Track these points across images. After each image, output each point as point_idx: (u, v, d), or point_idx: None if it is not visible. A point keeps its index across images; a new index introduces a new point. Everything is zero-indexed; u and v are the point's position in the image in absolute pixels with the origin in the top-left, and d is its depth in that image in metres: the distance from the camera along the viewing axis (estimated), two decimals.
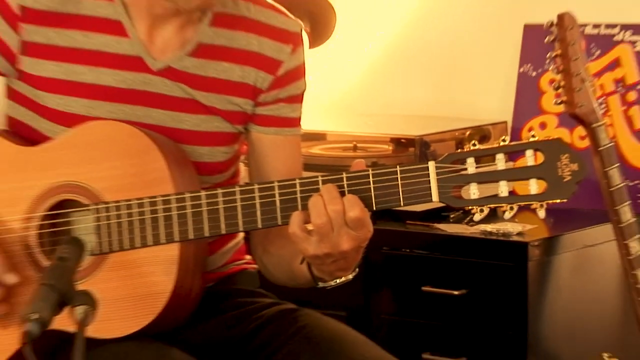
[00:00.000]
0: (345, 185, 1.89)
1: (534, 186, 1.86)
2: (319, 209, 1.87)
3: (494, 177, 1.86)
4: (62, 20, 2.08)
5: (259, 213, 1.93)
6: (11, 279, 1.98)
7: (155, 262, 1.97)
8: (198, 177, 2.06)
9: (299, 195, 1.91)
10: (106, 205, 1.98)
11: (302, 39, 2.17)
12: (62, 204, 2.03)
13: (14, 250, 2.02)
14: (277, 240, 2.11)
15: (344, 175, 1.89)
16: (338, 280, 2.02)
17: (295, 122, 2.20)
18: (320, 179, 1.90)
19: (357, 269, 2.02)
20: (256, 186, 1.94)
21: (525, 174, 1.86)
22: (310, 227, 1.89)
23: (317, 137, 2.98)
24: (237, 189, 1.94)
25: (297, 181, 1.91)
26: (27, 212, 2.03)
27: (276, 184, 1.93)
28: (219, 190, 1.95)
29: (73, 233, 2.01)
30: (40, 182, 2.03)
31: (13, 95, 2.14)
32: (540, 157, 1.86)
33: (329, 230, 1.87)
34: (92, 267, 1.98)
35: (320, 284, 2.04)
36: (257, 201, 1.93)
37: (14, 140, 2.09)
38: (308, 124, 2.97)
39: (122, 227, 1.97)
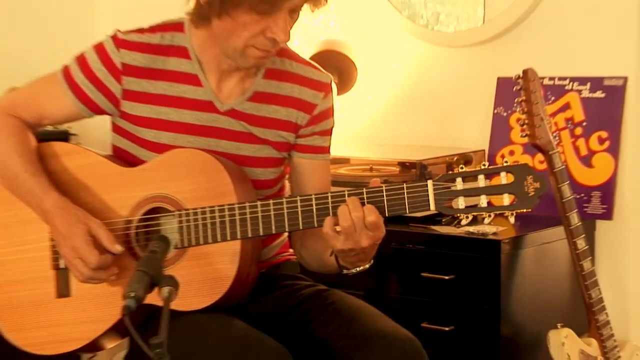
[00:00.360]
0: (365, 198, 1.88)
1: (506, 199, 1.86)
2: (345, 215, 1.86)
3: (476, 192, 1.86)
4: (153, 73, 2.07)
5: (300, 218, 1.92)
6: (118, 248, 1.97)
7: (223, 254, 1.96)
8: (254, 191, 2.05)
9: (330, 204, 1.90)
10: (187, 211, 1.97)
11: (331, 88, 2.16)
12: (154, 210, 2.02)
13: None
14: (312, 238, 2.10)
15: (364, 190, 1.88)
16: (358, 269, 2.01)
17: (326, 150, 2.18)
18: (346, 192, 1.89)
19: (372, 260, 2.00)
20: (298, 197, 1.93)
21: (499, 190, 1.86)
22: (338, 228, 1.88)
23: (343, 161, 2.97)
24: (284, 199, 1.94)
25: (329, 194, 1.91)
26: (129, 216, 2.03)
27: (313, 196, 1.92)
28: (270, 201, 1.94)
29: (162, 232, 2.00)
30: (138, 194, 2.03)
31: (117, 129, 2.13)
32: (511, 178, 1.86)
33: (353, 231, 1.86)
34: (175, 257, 1.98)
35: (345, 271, 2.02)
36: (299, 209, 1.92)
37: (118, 163, 2.09)
38: (336, 150, 2.95)
39: (198, 228, 1.96)
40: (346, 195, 1.89)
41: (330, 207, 1.90)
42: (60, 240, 1.98)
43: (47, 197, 2.00)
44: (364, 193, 1.88)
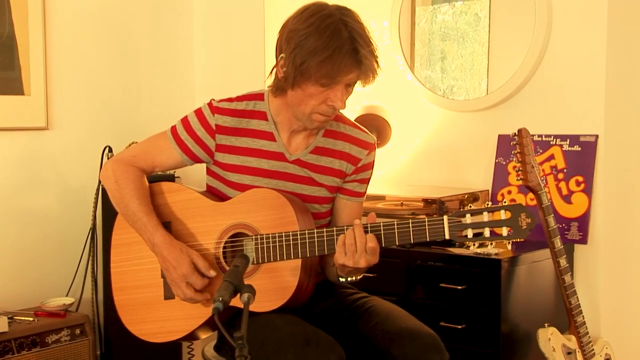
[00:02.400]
0: (396, 228, 1.86)
1: (504, 231, 1.82)
2: (350, 235, 1.86)
3: (482, 225, 1.82)
4: (239, 132, 2.07)
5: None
6: (212, 273, 1.98)
7: (287, 269, 1.94)
8: (313, 221, 2.03)
9: None
10: (262, 236, 1.96)
11: (374, 147, 2.14)
12: (237, 235, 2.01)
13: (210, 261, 2.01)
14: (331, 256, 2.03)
15: (395, 222, 1.86)
16: (349, 279, 1.98)
17: (361, 194, 2.15)
18: (368, 226, 1.88)
19: (362, 274, 1.97)
20: (334, 228, 1.93)
21: (499, 224, 1.83)
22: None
23: (380, 198, 2.94)
24: (334, 229, 1.91)
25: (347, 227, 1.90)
26: (218, 239, 2.02)
27: (345, 227, 1.91)
28: (324, 230, 1.93)
29: (243, 252, 1.99)
30: (226, 222, 2.02)
31: (210, 173, 2.13)
32: (509, 214, 1.82)
33: (354, 250, 1.85)
34: (252, 271, 1.97)
35: (341, 279, 1.99)
36: (335, 237, 1.92)
37: (211, 198, 2.08)
38: (375, 190, 2.96)
39: (270, 249, 1.95)
40: (368, 228, 1.87)
41: None
42: (170, 268, 1.98)
43: (156, 232, 2.00)
44: (395, 225, 1.86)
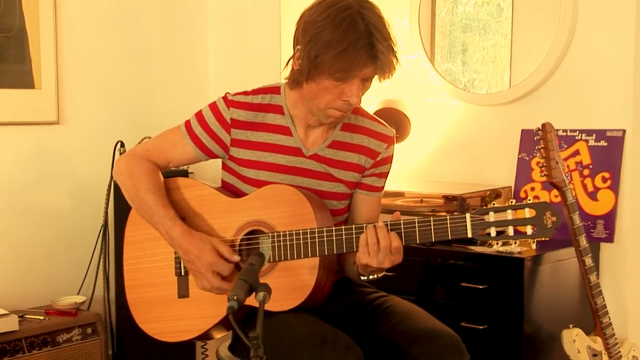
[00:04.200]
0: (417, 225, 1.85)
1: (529, 229, 1.80)
2: (371, 234, 1.85)
3: (505, 224, 1.80)
4: (254, 126, 2.06)
5: (354, 241, 1.91)
6: (236, 258, 1.97)
7: (305, 267, 1.94)
8: (331, 219, 2.02)
9: None
10: (278, 234, 1.96)
11: (394, 140, 2.13)
12: (253, 232, 2.01)
13: None
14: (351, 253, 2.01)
15: (415, 219, 1.84)
16: (371, 277, 1.97)
17: (379, 189, 2.14)
18: (388, 223, 1.87)
19: (384, 272, 1.96)
20: (353, 226, 1.91)
21: (524, 222, 1.80)
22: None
23: (399, 194, 2.94)
24: (354, 226, 1.91)
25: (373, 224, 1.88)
26: (234, 236, 2.02)
27: (364, 224, 1.90)
28: (343, 227, 1.92)
29: (259, 249, 1.99)
30: (241, 218, 2.02)
31: (226, 168, 2.13)
32: (533, 212, 1.80)
33: (377, 250, 1.83)
34: (268, 269, 1.96)
35: (362, 278, 1.98)
36: (354, 235, 1.91)
37: (226, 194, 2.08)
38: (394, 186, 2.95)
39: (287, 247, 1.94)
40: (388, 226, 1.86)
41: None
42: (194, 259, 1.97)
43: (174, 225, 1.99)
44: (416, 223, 1.85)
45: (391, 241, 1.84)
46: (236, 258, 1.96)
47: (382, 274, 1.97)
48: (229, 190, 2.11)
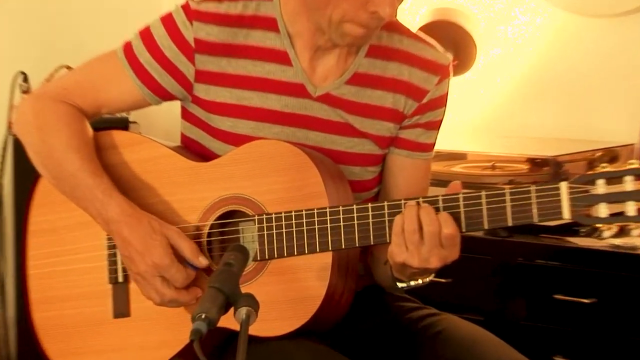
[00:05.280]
0: (484, 201, 1.85)
1: None
2: (411, 216, 1.84)
3: (623, 197, 1.78)
4: (232, 50, 2.07)
5: None
6: (203, 262, 1.99)
7: (310, 269, 1.96)
8: (352, 194, 2.03)
9: None
10: (268, 216, 1.97)
11: (449, 72, 2.13)
12: (230, 214, 2.03)
13: None
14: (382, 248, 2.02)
15: (483, 192, 1.86)
16: (413, 284, 1.98)
17: (427, 147, 2.15)
18: (440, 198, 1.87)
19: (434, 274, 1.96)
20: (403, 201, 1.90)
21: None
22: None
23: (459, 157, 2.96)
24: (385, 203, 1.92)
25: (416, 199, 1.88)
26: (199, 221, 2.04)
27: (420, 198, 1.88)
28: (369, 205, 1.92)
29: (239, 241, 2.01)
30: (211, 194, 2.04)
31: (188, 117, 2.15)
32: None
33: (419, 240, 1.83)
34: (254, 271, 1.98)
35: (399, 284, 1.99)
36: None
37: (187, 156, 2.10)
38: (450, 144, 2.96)
39: (282, 236, 1.96)
40: (439, 202, 1.86)
41: None
42: (134, 256, 1.99)
43: (110, 201, 2.01)
44: (482, 198, 1.86)
45: (441, 227, 1.85)
46: (202, 262, 1.99)
47: (429, 279, 1.99)
48: (192, 150, 2.13)
